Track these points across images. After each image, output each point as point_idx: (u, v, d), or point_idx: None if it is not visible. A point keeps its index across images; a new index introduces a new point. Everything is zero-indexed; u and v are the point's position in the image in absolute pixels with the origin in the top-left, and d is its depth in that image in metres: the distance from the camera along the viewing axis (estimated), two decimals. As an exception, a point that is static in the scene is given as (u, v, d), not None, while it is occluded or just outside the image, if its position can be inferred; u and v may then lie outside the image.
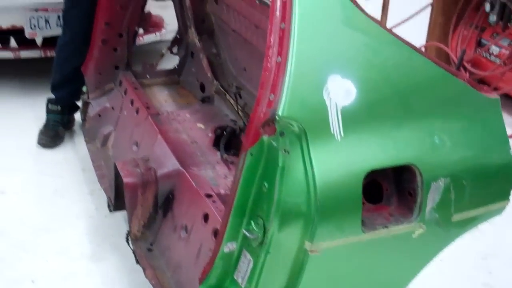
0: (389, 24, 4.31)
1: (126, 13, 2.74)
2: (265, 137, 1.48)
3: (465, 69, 3.81)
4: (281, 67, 1.47)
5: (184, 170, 2.15)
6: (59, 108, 3.03)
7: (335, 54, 1.52)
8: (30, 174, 2.86)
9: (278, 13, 1.49)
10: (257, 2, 2.17)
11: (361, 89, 1.53)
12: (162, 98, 2.88)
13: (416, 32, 4.03)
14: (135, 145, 2.53)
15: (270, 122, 1.46)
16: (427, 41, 4.03)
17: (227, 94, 2.61)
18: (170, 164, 2.22)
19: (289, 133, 1.47)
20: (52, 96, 3.07)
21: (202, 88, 2.83)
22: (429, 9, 4.05)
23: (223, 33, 2.73)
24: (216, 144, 2.39)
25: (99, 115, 2.85)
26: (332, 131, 1.50)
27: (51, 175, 2.86)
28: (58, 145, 3.03)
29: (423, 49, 4.01)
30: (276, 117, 1.44)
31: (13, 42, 3.36)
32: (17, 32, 3.33)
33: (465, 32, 3.95)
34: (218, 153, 2.32)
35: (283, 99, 1.45)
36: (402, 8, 4.16)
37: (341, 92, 1.51)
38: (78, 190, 2.77)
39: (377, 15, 4.45)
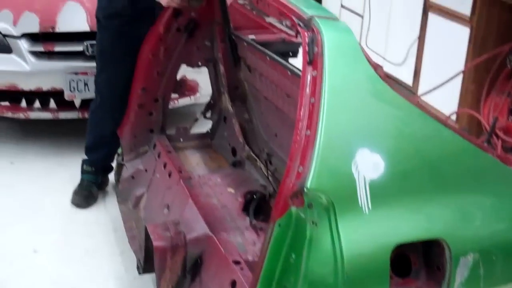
0: (421, 90, 4.34)
1: (162, 79, 2.83)
2: (293, 209, 1.51)
3: (498, 136, 3.79)
4: (310, 140, 1.51)
5: (213, 235, 2.17)
6: (93, 169, 3.11)
7: (364, 128, 1.56)
8: (63, 234, 2.91)
9: (308, 89, 1.53)
10: (289, 72, 2.22)
11: (389, 162, 1.55)
12: (194, 161, 2.93)
13: (448, 98, 4.04)
14: (166, 208, 2.57)
15: (299, 193, 1.49)
16: (459, 108, 4.03)
17: (257, 160, 2.65)
18: (199, 228, 2.24)
19: (317, 205, 1.49)
20: (83, 158, 3.15)
21: (234, 152, 2.88)
22: (461, 76, 4.07)
23: (255, 100, 2.80)
24: (245, 209, 2.41)
25: (133, 177, 2.91)
26: (360, 204, 1.52)
27: (83, 235, 2.91)
28: (91, 205, 3.09)
29: (454, 116, 4.03)
30: (305, 189, 1.47)
31: (52, 104, 3.48)
32: (57, 94, 3.44)
33: (498, 100, 3.95)
34: (247, 219, 2.34)
35: (312, 171, 1.48)
36: (434, 74, 4.19)
37: (369, 166, 1.53)
38: (108, 250, 2.80)
39: (409, 81, 4.50)
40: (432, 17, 4.17)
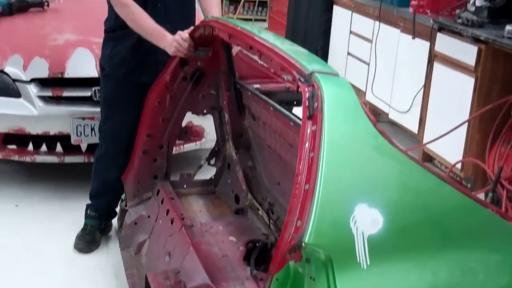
0: (426, 138, 4.36)
1: (167, 126, 2.86)
2: (291, 263, 1.51)
3: (503, 186, 3.78)
4: (308, 194, 1.52)
5: (213, 286, 2.16)
6: (97, 214, 3.13)
7: (362, 183, 1.56)
8: (64, 278, 2.90)
9: (307, 143, 1.55)
10: (291, 123, 2.25)
11: (388, 218, 1.56)
12: (197, 208, 2.93)
13: (453, 147, 4.05)
14: (167, 255, 2.56)
15: (297, 248, 1.49)
16: (463, 157, 4.03)
17: (259, 209, 2.65)
18: (199, 278, 2.23)
19: (315, 260, 1.49)
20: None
21: (237, 199, 2.89)
22: (466, 125, 4.08)
23: (259, 148, 2.82)
24: (246, 258, 2.41)
25: (135, 223, 2.92)
26: (358, 260, 1.52)
27: (85, 280, 2.90)
28: (93, 250, 3.09)
29: (460, 165, 4.03)
30: (303, 244, 1.47)
31: (59, 148, 3.51)
32: (63, 138, 3.48)
33: (502, 149, 3.95)
34: (248, 269, 2.33)
35: (310, 226, 1.49)
36: (439, 123, 4.21)
37: (367, 221, 1.53)
38: (109, 297, 2.79)
39: (415, 128, 4.52)
40: (437, 66, 4.22)
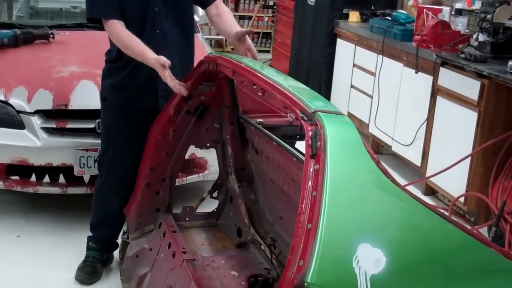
0: (429, 171, 4.35)
1: (170, 160, 2.86)
2: (293, 303, 1.49)
3: (506, 221, 3.77)
4: (311, 233, 1.51)
5: (214, 322, 2.15)
6: (98, 246, 3.12)
7: (365, 223, 1.56)
8: (65, 311, 2.89)
9: (310, 182, 1.55)
10: (294, 158, 2.25)
11: (391, 257, 1.55)
12: (199, 241, 2.92)
13: (456, 180, 4.05)
14: (169, 289, 2.55)
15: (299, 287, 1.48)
16: (467, 191, 4.03)
17: (262, 244, 2.64)
18: (201, 314, 2.22)
19: (318, 300, 1.48)
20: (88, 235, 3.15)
21: (239, 233, 2.88)
22: (469, 159, 4.09)
23: (262, 182, 2.82)
24: (248, 293, 2.39)
25: (137, 256, 2.90)
26: (360, 300, 1.50)
27: (86, 313, 2.88)
28: (94, 282, 3.07)
29: (463, 199, 4.02)
30: (305, 283, 1.46)
31: (61, 179, 3.52)
32: (66, 169, 3.49)
33: (506, 183, 3.95)
34: (250, 304, 2.31)
35: (313, 265, 1.48)
36: (442, 156, 4.21)
37: (370, 261, 1.53)
38: (109, 331, 2.77)
39: (418, 161, 4.52)
40: (440, 100, 4.23)
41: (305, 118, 1.70)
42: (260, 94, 2.04)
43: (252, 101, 2.86)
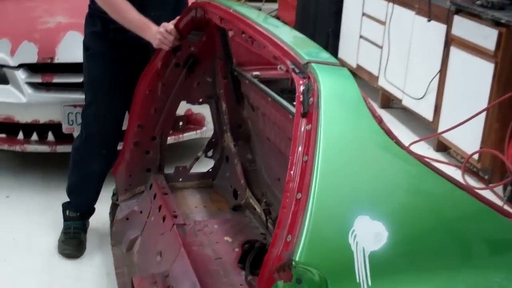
0: (441, 127, 4.13)
1: (160, 117, 2.66)
2: (280, 284, 1.31)
3: (522, 179, 3.55)
4: (301, 204, 1.32)
5: (203, 292, 1.98)
6: (78, 214, 2.90)
7: (364, 192, 1.36)
8: (52, 276, 2.73)
9: (300, 145, 1.34)
10: (291, 116, 2.03)
11: (393, 231, 1.35)
12: (193, 203, 2.74)
13: (470, 136, 3.82)
14: (159, 255, 2.38)
15: (286, 267, 1.29)
16: (481, 147, 3.80)
17: (256, 208, 2.45)
18: (189, 283, 2.06)
19: (308, 281, 1.29)
20: (67, 200, 2.92)
21: (235, 194, 2.69)
22: (484, 113, 3.85)
23: (259, 140, 2.61)
24: (242, 261, 2.22)
25: (127, 219, 2.73)
26: (357, 280, 1.32)
27: (74, 278, 2.74)
28: (83, 254, 2.87)
29: (477, 156, 3.80)
30: (293, 262, 1.27)
31: (50, 137, 3.33)
32: (54, 127, 3.30)
33: (523, 139, 3.73)
34: (243, 273, 2.14)
35: (302, 241, 1.29)
36: (455, 111, 3.97)
37: (369, 236, 1.33)
38: (98, 297, 2.63)
39: (429, 116, 4.28)
40: (454, 50, 3.97)
41: (297, 71, 1.48)
42: (249, 43, 1.81)
43: (247, 52, 2.63)
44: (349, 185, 1.34)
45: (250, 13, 1.95)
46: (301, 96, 1.41)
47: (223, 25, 2.03)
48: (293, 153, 1.36)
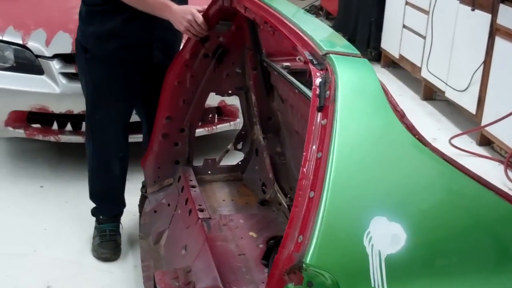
0: (485, 120, 3.97)
1: (189, 108, 2.62)
2: (290, 286, 1.25)
3: None
4: (313, 203, 1.25)
5: (223, 289, 1.94)
6: (110, 218, 2.84)
7: (381, 192, 1.28)
8: (80, 267, 2.74)
9: (315, 141, 1.27)
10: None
11: (412, 234, 1.27)
12: (221, 196, 2.70)
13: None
14: (184, 249, 2.35)
15: (296, 269, 1.22)
16: (527, 142, 3.65)
17: (283, 203, 2.39)
18: (210, 279, 2.02)
19: (319, 284, 1.22)
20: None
21: (264, 187, 2.64)
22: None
23: (288, 133, 2.55)
24: (266, 258, 2.17)
25: (155, 211, 2.71)
26: (372, 285, 1.24)
27: (102, 270, 2.73)
28: (119, 256, 2.81)
29: (521, 151, 3.64)
30: (303, 264, 1.21)
31: (84, 127, 3.33)
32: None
33: None
34: (266, 271, 2.08)
35: (314, 243, 1.22)
36: (500, 103, 3.81)
37: (386, 238, 1.25)
38: (125, 289, 2.61)
39: (473, 109, 4.12)
40: (499, 41, 3.81)
41: (314, 62, 1.40)
42: (270, 33, 1.74)
43: (277, 42, 2.56)
44: (365, 184, 1.27)
45: (276, 2, 1.88)
46: (317, 89, 1.34)
47: (247, 14, 1.97)
48: (307, 149, 1.30)
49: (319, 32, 1.57)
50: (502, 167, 3.75)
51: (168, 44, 2.56)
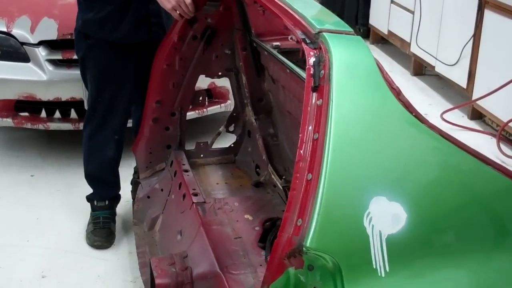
0: (476, 94, 3.96)
1: (179, 91, 2.58)
2: (291, 270, 1.23)
3: (562, 147, 3.39)
4: (312, 186, 1.22)
5: (221, 273, 1.92)
6: (107, 203, 2.83)
7: (380, 171, 1.26)
8: (75, 256, 2.72)
9: (311, 122, 1.24)
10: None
11: (413, 213, 1.25)
12: (214, 180, 2.67)
13: (506, 103, 3.66)
14: (179, 234, 2.34)
15: (296, 253, 1.21)
16: (518, 115, 3.64)
17: (277, 184, 2.37)
18: (207, 263, 2.00)
19: (320, 267, 1.21)
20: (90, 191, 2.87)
21: (258, 169, 2.61)
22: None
23: (280, 114, 2.52)
24: (262, 240, 2.15)
25: (148, 197, 2.69)
26: (374, 266, 1.23)
27: (97, 257, 2.71)
28: (113, 244, 2.80)
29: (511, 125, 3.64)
30: (303, 248, 1.19)
31: (73, 114, 3.30)
32: (77, 104, 3.26)
33: (563, 105, 3.55)
34: (263, 253, 2.07)
35: (313, 225, 1.20)
36: (490, 77, 3.80)
37: (387, 218, 1.24)
38: (121, 276, 2.59)
39: (463, 83, 4.11)
40: (488, 14, 3.78)
41: (307, 41, 1.37)
42: (260, 13, 1.71)
43: (266, 21, 2.52)
44: (364, 164, 1.24)
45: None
46: (311, 68, 1.31)
47: (235, -6, 1.93)
48: (303, 131, 1.27)
49: (310, 10, 1.54)
50: (494, 140, 3.74)
51: (162, 19, 2.53)
